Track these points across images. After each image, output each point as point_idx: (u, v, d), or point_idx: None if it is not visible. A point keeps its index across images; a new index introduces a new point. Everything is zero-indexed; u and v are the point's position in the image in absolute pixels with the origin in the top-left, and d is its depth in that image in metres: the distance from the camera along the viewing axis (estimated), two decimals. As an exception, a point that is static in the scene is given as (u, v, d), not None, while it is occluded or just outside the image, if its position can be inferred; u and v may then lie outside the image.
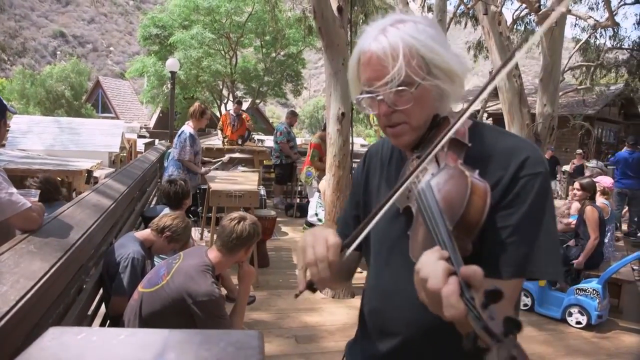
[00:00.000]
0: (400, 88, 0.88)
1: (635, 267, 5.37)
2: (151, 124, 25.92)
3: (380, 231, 1.06)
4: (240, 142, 8.39)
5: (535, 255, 0.87)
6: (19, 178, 7.67)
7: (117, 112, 27.29)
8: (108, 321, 2.57)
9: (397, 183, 0.92)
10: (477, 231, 0.81)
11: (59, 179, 9.16)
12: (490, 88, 0.83)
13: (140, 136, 16.51)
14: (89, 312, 2.38)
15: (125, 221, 3.53)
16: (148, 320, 2.05)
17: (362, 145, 17.42)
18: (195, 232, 5.17)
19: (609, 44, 16.94)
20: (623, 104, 19.82)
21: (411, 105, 0.90)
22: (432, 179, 0.84)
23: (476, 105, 0.83)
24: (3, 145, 11.56)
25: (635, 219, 7.88)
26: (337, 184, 4.51)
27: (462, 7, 16.67)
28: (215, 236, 4.86)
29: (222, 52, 18.78)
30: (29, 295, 1.42)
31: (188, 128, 5.02)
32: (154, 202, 5.53)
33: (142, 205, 4.49)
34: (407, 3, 16.43)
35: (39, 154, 10.59)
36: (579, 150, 11.24)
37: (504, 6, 13.68)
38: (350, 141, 4.61)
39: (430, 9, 16.44)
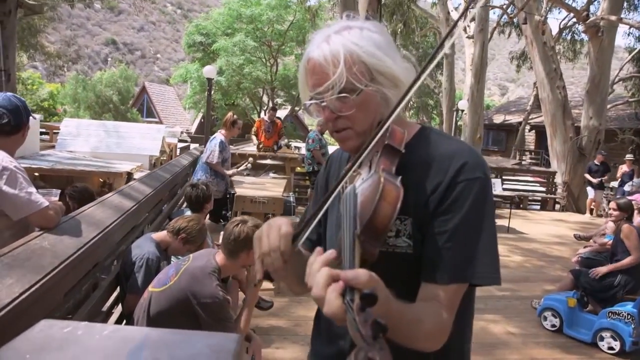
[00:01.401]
0: (342, 95, 0.89)
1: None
2: (192, 128, 26.67)
3: (329, 233, 1.10)
4: (275, 148, 8.49)
5: (474, 260, 0.88)
6: (64, 179, 8.09)
7: (160, 116, 28.26)
8: (124, 320, 2.66)
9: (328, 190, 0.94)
10: (384, 236, 0.80)
11: (101, 180, 9.60)
12: (410, 93, 0.86)
13: (180, 140, 17.02)
14: (104, 309, 2.47)
15: (151, 222, 3.64)
16: (155, 319, 2.10)
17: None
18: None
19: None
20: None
21: (354, 111, 0.92)
22: (360, 184, 0.85)
23: (398, 111, 0.84)
24: (53, 147, 12.22)
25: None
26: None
27: (505, 16, 16.31)
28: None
29: (263, 59, 19.15)
30: (33, 289, 1.49)
31: (219, 135, 5.18)
32: (184, 205, 5.68)
33: (171, 208, 4.62)
34: (449, 12, 16.24)
35: (85, 156, 11.12)
36: (629, 156, 10.60)
37: (551, 15, 13.26)
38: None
39: (473, 19, 16.19)
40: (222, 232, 5.11)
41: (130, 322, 2.37)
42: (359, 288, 0.65)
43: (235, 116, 5.35)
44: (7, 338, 1.39)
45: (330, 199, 0.87)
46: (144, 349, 1.09)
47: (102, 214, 2.46)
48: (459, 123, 14.26)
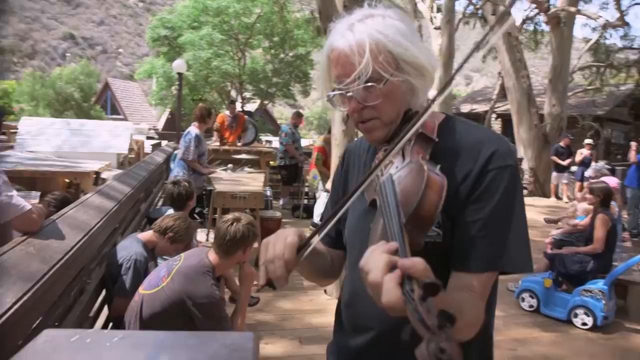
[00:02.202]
0: (368, 84, 0.88)
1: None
2: (160, 125, 26.09)
3: (352, 225, 1.08)
4: (238, 142, 8.35)
5: (506, 248, 0.88)
6: (27, 180, 7.77)
7: (125, 113, 27.50)
8: (110, 323, 2.59)
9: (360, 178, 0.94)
10: (430, 226, 0.81)
11: (67, 180, 9.28)
12: (450, 86, 0.86)
13: (148, 138, 16.65)
14: (91, 314, 2.40)
15: (130, 222, 3.55)
16: (148, 321, 2.05)
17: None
18: (201, 234, 5.19)
19: (619, 44, 16.77)
20: (633, 105, 19.57)
21: (381, 100, 0.91)
22: (395, 172, 0.85)
23: (439, 101, 0.83)
24: (12, 147, 11.72)
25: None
26: (342, 185, 4.50)
27: (470, 7, 16.59)
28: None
29: (231, 53, 18.85)
30: (25, 298, 1.43)
31: (194, 129, 5.04)
32: (160, 204, 5.56)
33: (148, 207, 4.51)
34: (416, 3, 16.40)
35: (47, 156, 10.71)
36: (589, 140, 11.00)
37: (514, 6, 13.57)
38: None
39: (439, 10, 16.39)
40: (198, 230, 5.05)
41: (119, 325, 2.31)
42: (416, 277, 0.64)
43: (208, 107, 5.25)
44: (7, 351, 1.34)
45: (356, 194, 0.87)
46: (161, 353, 1.07)
47: (85, 216, 2.38)
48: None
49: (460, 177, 0.89)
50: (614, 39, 16.91)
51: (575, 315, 4.00)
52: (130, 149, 13.17)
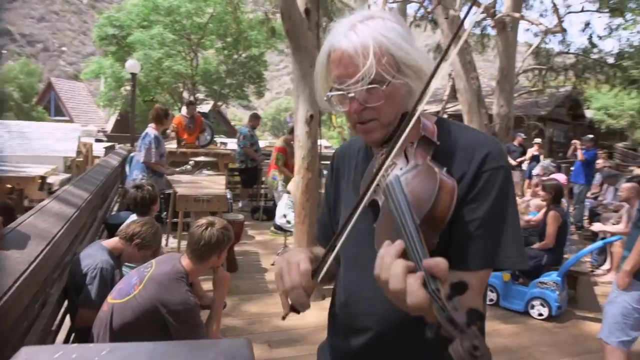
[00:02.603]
0: (371, 86, 0.89)
1: (587, 260, 5.65)
2: (109, 127, 25.07)
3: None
4: (197, 143, 8.19)
5: (502, 246, 0.91)
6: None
7: (71, 115, 26.20)
8: (73, 335, 2.46)
9: (364, 180, 0.97)
10: (443, 226, 0.83)
11: (9, 186, 8.74)
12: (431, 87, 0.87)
13: (97, 140, 15.96)
14: (53, 327, 2.27)
15: (89, 229, 3.39)
16: (119, 332, 1.97)
17: (326, 147, 17.49)
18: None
19: (557, 48, 17.74)
20: (571, 106, 20.80)
21: (382, 102, 0.92)
22: (401, 174, 0.86)
23: (423, 105, 0.86)
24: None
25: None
26: (307, 186, 4.50)
27: (421, 10, 17.04)
28: (182, 242, 4.75)
29: (183, 53, 18.40)
30: (-7, 313, 1.34)
31: (152, 130, 4.89)
32: (115, 209, 5.35)
33: (104, 212, 4.33)
34: (369, 6, 16.66)
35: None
36: (538, 140, 11.60)
37: (462, 11, 14.09)
38: (319, 144, 4.61)
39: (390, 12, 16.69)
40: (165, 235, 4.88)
41: (84, 338, 2.20)
42: (439, 276, 0.66)
43: (165, 107, 5.14)
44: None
45: (364, 201, 0.87)
46: (156, 364, 1.03)
47: (45, 224, 2.26)
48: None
49: (456, 178, 0.91)
50: (552, 43, 17.98)
51: (532, 307, 4.21)
52: (79, 152, 12.58)
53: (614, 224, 5.56)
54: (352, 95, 0.93)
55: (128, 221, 3.04)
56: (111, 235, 3.78)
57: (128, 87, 18.73)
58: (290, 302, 0.90)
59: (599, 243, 5.09)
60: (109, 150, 9.76)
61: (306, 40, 4.40)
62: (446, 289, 0.63)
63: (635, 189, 5.03)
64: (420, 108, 0.85)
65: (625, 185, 5.20)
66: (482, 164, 0.92)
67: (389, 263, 0.72)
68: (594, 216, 7.43)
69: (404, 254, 0.73)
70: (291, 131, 5.58)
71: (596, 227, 5.84)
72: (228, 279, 2.33)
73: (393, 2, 16.03)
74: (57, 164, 10.87)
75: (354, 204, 0.95)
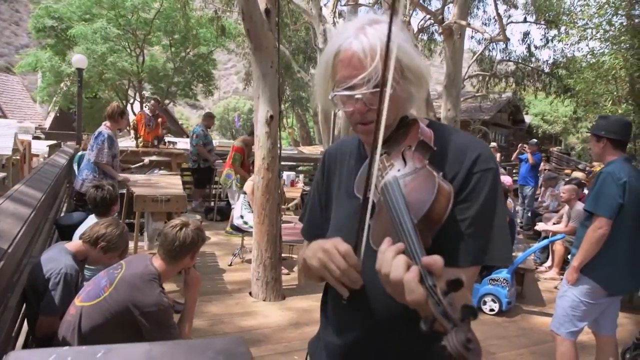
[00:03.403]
0: (377, 89, 0.90)
1: (531, 257, 6.01)
2: (47, 124, 23.69)
3: (339, 223, 1.10)
4: (156, 142, 8.01)
5: (490, 244, 0.95)
6: None
7: (4, 110, 24.48)
8: (30, 339, 2.34)
9: (359, 180, 1.00)
10: (438, 227, 0.87)
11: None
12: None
13: (35, 137, 15.06)
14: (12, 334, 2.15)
15: (41, 231, 3.22)
16: (89, 335, 1.90)
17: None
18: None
19: (499, 56, 18.71)
20: (512, 111, 22.01)
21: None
22: (400, 175, 0.90)
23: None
24: None
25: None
26: (266, 186, 4.50)
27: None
28: (139, 243, 4.61)
29: (128, 49, 17.72)
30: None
31: (106, 129, 4.69)
32: (64, 209, 5.10)
33: (55, 213, 4.12)
34: (321, 8, 16.81)
35: None
36: (493, 144, 12.18)
37: (411, 16, 14.54)
38: (279, 144, 4.61)
39: (341, 15, 16.95)
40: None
41: (45, 345, 2.10)
42: (436, 273, 0.70)
43: (121, 106, 4.96)
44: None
45: (370, 196, 0.90)
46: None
47: (3, 224, 2.14)
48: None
49: (448, 179, 0.95)
50: (495, 51, 18.93)
51: (484, 303, 4.43)
52: (15, 150, 11.81)
53: (554, 224, 5.96)
54: (359, 97, 0.95)
55: (87, 222, 2.93)
56: (62, 236, 3.61)
57: (68, 83, 17.80)
58: (347, 287, 0.91)
59: (545, 241, 5.44)
60: (54, 148, 9.25)
61: (267, 41, 4.40)
62: (442, 285, 0.66)
63: (575, 190, 5.41)
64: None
65: (565, 187, 5.58)
66: (473, 165, 0.96)
67: (390, 258, 0.76)
68: (535, 217, 7.92)
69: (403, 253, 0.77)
70: (251, 132, 5.54)
71: (540, 226, 6.24)
72: (199, 279, 2.30)
73: (344, 5, 16.29)
74: (-10, 163, 10.16)
75: (351, 205, 1.01)
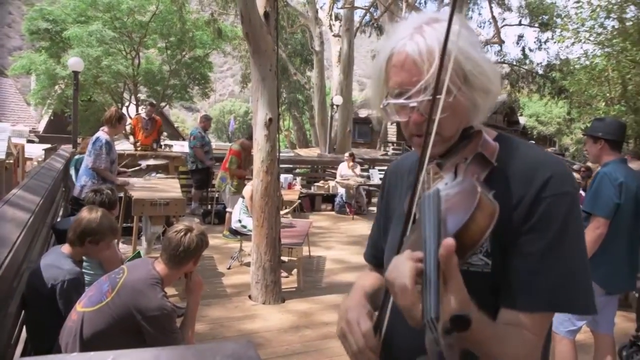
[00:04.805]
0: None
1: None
2: (40, 127, 23.56)
3: (392, 243, 1.01)
4: (155, 146, 8.00)
5: (566, 286, 0.79)
6: None
7: (-3, 113, 24.36)
8: (29, 347, 2.32)
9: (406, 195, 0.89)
10: (472, 252, 0.71)
11: None
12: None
13: (29, 141, 14.97)
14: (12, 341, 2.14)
15: (40, 235, 3.21)
16: (91, 341, 1.89)
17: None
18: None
19: (494, 58, 18.81)
20: (507, 113, 22.13)
21: (445, 115, 0.79)
22: (444, 189, 0.78)
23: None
24: None
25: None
26: (265, 190, 4.49)
27: (367, 17, 17.47)
28: (136, 247, 4.59)
29: (124, 52, 17.66)
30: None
31: (104, 135, 4.66)
32: (61, 213, 5.07)
33: (52, 217, 4.10)
34: (317, 11, 16.84)
35: None
36: None
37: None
38: (277, 147, 4.61)
39: (337, 18, 17.01)
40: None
41: (52, 350, 2.08)
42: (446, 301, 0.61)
43: (120, 111, 4.94)
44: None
45: (413, 211, 0.79)
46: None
47: (2, 230, 2.13)
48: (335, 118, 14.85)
49: (513, 203, 0.81)
50: (490, 54, 19.08)
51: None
52: (9, 154, 11.73)
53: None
54: (414, 105, 0.83)
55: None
56: (59, 240, 3.59)
57: (63, 86, 17.72)
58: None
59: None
60: (50, 152, 9.21)
61: (265, 44, 4.40)
62: (446, 321, 0.56)
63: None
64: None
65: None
66: (543, 188, 0.80)
67: (402, 262, 0.68)
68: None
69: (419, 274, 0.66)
70: (250, 136, 5.53)
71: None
72: (202, 284, 2.30)
73: (341, 8, 16.35)
74: (-16, 167, 10.09)
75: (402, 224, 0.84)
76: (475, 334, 0.68)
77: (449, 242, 0.62)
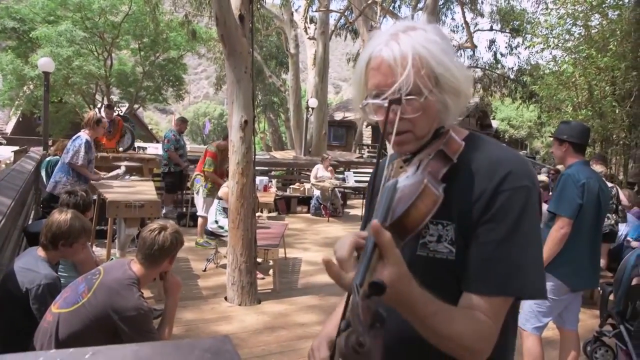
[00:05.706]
0: (410, 97, 0.87)
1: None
2: (8, 129, 22.88)
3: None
4: (120, 149, 7.89)
5: (519, 273, 0.86)
6: None
7: (-39, 115, 23.56)
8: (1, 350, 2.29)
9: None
10: (411, 235, 0.80)
11: None
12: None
13: (-4, 143, 14.53)
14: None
15: (11, 238, 3.15)
16: (66, 342, 1.88)
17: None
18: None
19: (467, 62, 19.23)
20: (479, 116, 22.62)
21: (418, 114, 0.89)
22: (402, 181, 0.86)
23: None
24: None
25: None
26: (241, 191, 4.51)
27: (342, 20, 17.61)
28: (112, 250, 4.54)
29: (96, 52, 17.33)
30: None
31: (85, 135, 4.68)
32: (32, 215, 4.97)
33: (24, 220, 4.02)
34: (292, 13, 16.89)
35: None
36: None
37: (382, 22, 14.80)
38: (253, 149, 4.64)
39: (312, 21, 17.10)
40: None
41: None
42: (372, 271, 0.68)
43: (98, 115, 4.93)
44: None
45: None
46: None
47: (-26, 232, 2.10)
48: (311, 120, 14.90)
49: (475, 196, 0.88)
50: (463, 58, 19.54)
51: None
52: (-25, 156, 11.40)
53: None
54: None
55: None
56: (31, 243, 3.53)
57: (32, 86, 17.26)
58: None
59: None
60: (19, 154, 8.97)
61: (241, 46, 4.42)
62: (365, 287, 0.63)
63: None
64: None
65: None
66: (501, 182, 0.87)
67: (344, 238, 0.77)
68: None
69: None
70: (226, 136, 5.53)
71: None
72: (179, 284, 2.31)
73: (316, 11, 16.44)
74: (-51, 169, 9.77)
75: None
76: (416, 307, 0.76)
77: (374, 223, 0.71)
